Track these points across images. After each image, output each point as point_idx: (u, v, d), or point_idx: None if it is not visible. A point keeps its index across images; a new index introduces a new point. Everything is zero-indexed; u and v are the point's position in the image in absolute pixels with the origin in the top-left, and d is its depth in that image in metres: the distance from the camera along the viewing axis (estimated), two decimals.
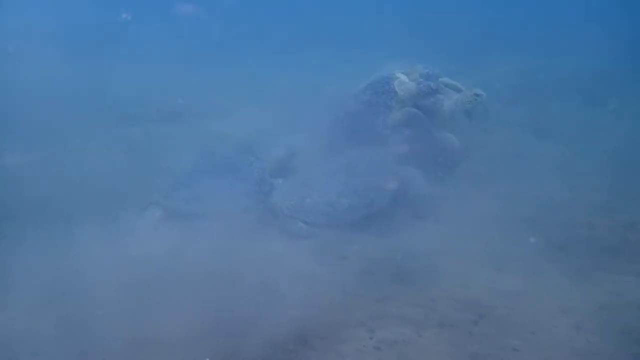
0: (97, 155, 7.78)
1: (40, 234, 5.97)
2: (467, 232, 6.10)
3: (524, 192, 6.95)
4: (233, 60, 14.57)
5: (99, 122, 9.06)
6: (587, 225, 6.10)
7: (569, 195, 6.70)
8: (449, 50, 11.87)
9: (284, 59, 14.26)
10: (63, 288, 5.22)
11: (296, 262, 5.67)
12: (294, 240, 6.23)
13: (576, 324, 4.61)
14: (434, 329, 4.65)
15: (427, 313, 4.84)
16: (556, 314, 4.75)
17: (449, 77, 7.60)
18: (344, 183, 6.43)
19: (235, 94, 10.87)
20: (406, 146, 6.80)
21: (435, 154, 6.97)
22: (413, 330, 4.64)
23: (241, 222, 6.33)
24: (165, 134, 8.89)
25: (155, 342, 4.42)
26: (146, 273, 5.26)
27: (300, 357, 4.39)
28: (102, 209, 6.41)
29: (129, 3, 17.72)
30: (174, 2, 16.94)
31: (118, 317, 4.71)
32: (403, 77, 7.05)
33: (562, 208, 6.45)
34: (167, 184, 7.00)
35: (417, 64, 7.42)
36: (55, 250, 5.77)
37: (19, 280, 5.26)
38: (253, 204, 6.69)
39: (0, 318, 4.92)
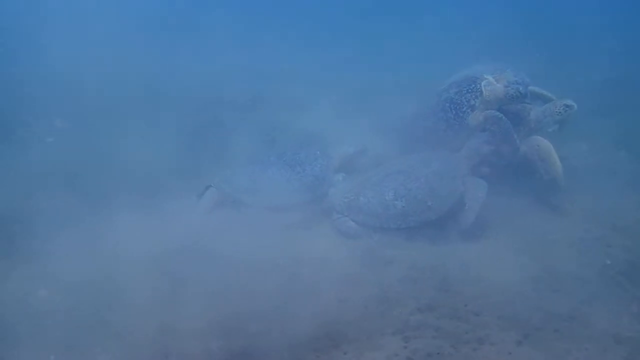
0: (162, 139, 8.01)
1: (95, 211, 6.28)
2: (526, 249, 5.80)
3: (597, 209, 6.53)
4: (312, 50, 14.58)
5: (170, 107, 9.34)
6: None
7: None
8: (533, 55, 11.34)
9: (365, 52, 14.14)
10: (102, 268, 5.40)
11: (340, 261, 5.62)
12: (342, 239, 6.17)
13: (629, 356, 4.26)
14: (472, 344, 4.45)
15: (468, 328, 4.64)
16: (609, 344, 4.41)
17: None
18: (402, 185, 6.19)
19: (312, 86, 10.84)
20: (482, 153, 6.48)
21: (511, 164, 6.62)
22: (450, 344, 4.46)
23: (293, 216, 6.37)
24: (234, 122, 9.00)
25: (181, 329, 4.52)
26: (190, 257, 5.41)
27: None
28: (160, 191, 6.66)
29: None
30: None
31: (152, 303, 4.85)
32: (491, 79, 6.75)
33: (631, 230, 5.97)
34: (229, 171, 7.11)
35: (507, 69, 7.06)
36: (105, 231, 6.04)
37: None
38: (309, 199, 6.68)
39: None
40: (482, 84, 6.63)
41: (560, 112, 6.57)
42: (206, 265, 5.37)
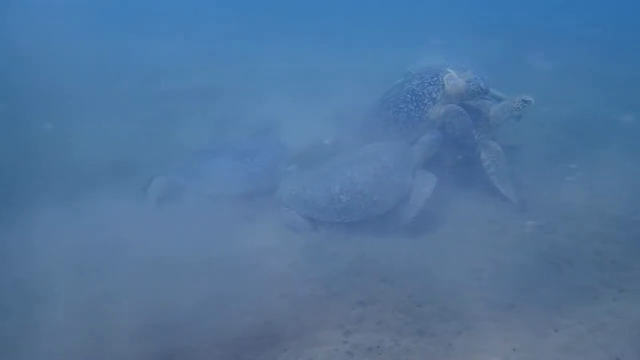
0: (117, 128, 7.85)
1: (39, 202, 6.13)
2: (471, 240, 5.83)
3: (544, 197, 6.58)
4: (274, 40, 14.42)
5: (127, 96, 9.15)
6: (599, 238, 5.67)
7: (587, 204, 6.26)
8: (500, 44, 11.38)
9: (327, 44, 14.02)
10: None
11: (284, 255, 5.56)
12: (288, 232, 6.10)
13: (567, 344, 4.29)
14: (412, 336, 4.44)
15: (410, 320, 4.63)
16: (548, 332, 4.43)
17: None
18: (349, 179, 6.08)
19: (274, 77, 10.72)
20: (436, 148, 6.47)
21: (468, 158, 6.63)
22: (391, 337, 4.44)
23: (241, 208, 6.29)
24: (188, 113, 8.87)
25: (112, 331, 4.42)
26: (126, 250, 5.31)
27: (268, 358, 4.27)
28: (108, 181, 6.52)
29: None
30: None
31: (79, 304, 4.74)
32: (453, 73, 6.70)
33: (576, 218, 6.02)
34: (177, 160, 7.01)
35: (468, 69, 7.01)
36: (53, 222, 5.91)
37: None
38: (255, 190, 6.61)
39: None
40: (445, 77, 6.60)
41: (518, 108, 6.59)
42: (138, 263, 5.25)
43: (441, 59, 8.34)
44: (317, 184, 6.20)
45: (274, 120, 8.11)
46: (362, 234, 5.98)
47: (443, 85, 6.54)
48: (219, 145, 7.25)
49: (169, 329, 4.59)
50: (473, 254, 5.53)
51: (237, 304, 4.89)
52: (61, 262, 5.37)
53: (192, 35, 13.62)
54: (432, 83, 6.63)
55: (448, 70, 6.77)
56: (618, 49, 12.44)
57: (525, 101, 6.56)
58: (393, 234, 5.94)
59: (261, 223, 6.27)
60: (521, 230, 5.91)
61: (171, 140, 7.76)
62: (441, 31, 12.17)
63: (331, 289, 5.08)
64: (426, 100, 6.57)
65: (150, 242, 5.62)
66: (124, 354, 4.32)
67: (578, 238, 5.71)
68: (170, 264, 5.32)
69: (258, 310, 4.80)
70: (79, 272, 5.28)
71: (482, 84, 6.46)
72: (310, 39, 14.29)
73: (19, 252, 5.69)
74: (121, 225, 5.95)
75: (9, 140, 7.59)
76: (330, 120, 8.26)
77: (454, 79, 6.56)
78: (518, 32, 13.59)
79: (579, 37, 13.40)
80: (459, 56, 8.36)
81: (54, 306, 4.87)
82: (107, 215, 6.15)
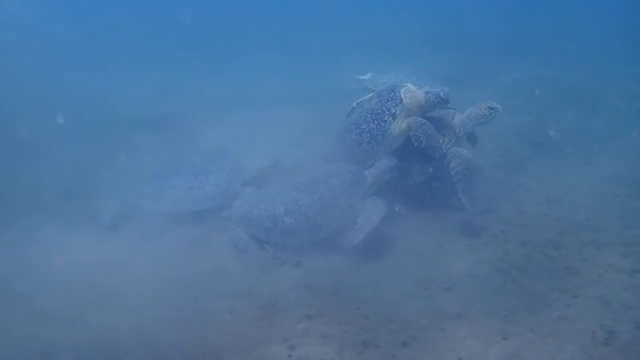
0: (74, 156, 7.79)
1: None
2: (423, 250, 5.78)
3: (499, 206, 6.55)
4: (225, 65, 14.46)
5: (84, 127, 9.11)
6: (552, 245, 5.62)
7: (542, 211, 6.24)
8: (455, 57, 11.48)
9: (280, 64, 14.05)
10: None
11: (232, 273, 5.47)
12: (235, 251, 6.01)
13: (514, 352, 4.21)
14: (357, 348, 4.34)
15: (356, 332, 4.54)
16: (496, 340, 4.35)
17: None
18: (294, 201, 5.97)
19: (229, 102, 10.71)
20: (391, 175, 6.40)
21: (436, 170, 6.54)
22: (335, 350, 4.35)
23: (192, 227, 6.21)
24: (144, 141, 8.82)
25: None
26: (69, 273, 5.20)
27: None
28: (59, 206, 6.44)
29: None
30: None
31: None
32: (411, 86, 6.63)
33: (530, 225, 5.99)
34: (134, 182, 7.02)
35: (425, 85, 7.00)
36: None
37: None
38: (209, 208, 6.55)
39: None
40: (402, 91, 6.48)
41: (485, 115, 6.53)
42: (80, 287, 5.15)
43: (400, 75, 8.33)
44: (263, 203, 6.13)
45: (230, 143, 8.03)
46: (311, 251, 5.86)
47: (401, 99, 6.43)
48: (174, 165, 7.18)
49: (109, 350, 4.45)
50: (423, 265, 5.47)
51: (183, 323, 4.77)
52: None
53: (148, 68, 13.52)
54: (389, 99, 6.51)
55: (406, 84, 6.73)
56: (585, 59, 12.58)
57: (492, 108, 6.50)
58: (342, 251, 5.80)
59: (212, 242, 6.19)
60: (474, 240, 5.84)
61: (127, 164, 7.67)
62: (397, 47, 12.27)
63: (278, 304, 4.99)
64: (386, 117, 6.44)
65: (95, 265, 5.51)
66: None
67: (531, 245, 5.64)
68: (115, 287, 5.19)
69: (205, 328, 4.69)
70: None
71: (441, 94, 6.35)
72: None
73: None
74: (67, 250, 5.82)
75: None
76: (292, 143, 8.16)
77: (412, 92, 6.47)
78: (481, 46, 13.71)
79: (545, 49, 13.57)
80: (416, 72, 8.36)
81: None
82: (54, 240, 6.01)
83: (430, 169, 6.49)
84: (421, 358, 4.22)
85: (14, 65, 11.35)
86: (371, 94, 7.07)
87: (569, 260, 5.39)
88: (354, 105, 7.13)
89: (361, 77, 8.20)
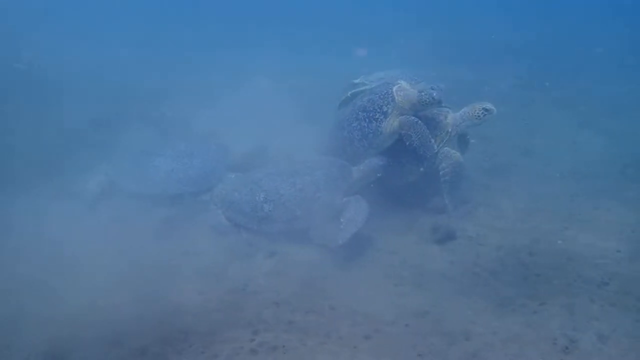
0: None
1: None
2: (399, 250, 5.82)
3: (479, 210, 6.60)
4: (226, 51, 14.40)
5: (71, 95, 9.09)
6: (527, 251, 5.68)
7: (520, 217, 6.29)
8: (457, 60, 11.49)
9: (283, 56, 14.03)
10: None
11: (207, 255, 5.51)
12: (213, 234, 6.04)
13: (474, 352, 4.26)
14: (320, 338, 4.39)
15: (321, 322, 4.58)
16: (458, 339, 4.40)
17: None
18: (275, 189, 5.99)
19: (223, 86, 10.67)
20: (376, 175, 6.36)
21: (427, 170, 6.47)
22: (298, 338, 4.39)
23: (170, 208, 6.24)
24: (132, 115, 8.81)
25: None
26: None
27: (173, 353, 4.20)
28: (39, 180, 6.46)
29: None
30: None
31: None
32: (404, 84, 6.54)
33: (508, 230, 6.04)
34: (117, 159, 7.00)
35: (422, 80, 6.89)
36: None
37: None
38: (192, 192, 6.56)
39: None
40: (394, 89, 6.41)
41: (479, 116, 6.46)
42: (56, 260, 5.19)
43: (397, 71, 8.29)
44: (245, 188, 6.16)
45: (220, 127, 8.03)
46: (286, 241, 5.85)
47: (393, 98, 6.35)
48: (159, 146, 7.17)
49: (71, 325, 4.49)
50: (396, 262, 5.50)
51: (152, 301, 4.81)
52: None
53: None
54: (381, 97, 6.42)
55: (399, 82, 6.64)
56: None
57: (486, 110, 6.44)
58: (319, 246, 5.74)
59: (190, 224, 6.20)
60: (450, 242, 5.87)
61: (113, 140, 7.65)
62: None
63: (248, 288, 5.04)
64: (377, 115, 6.36)
65: (67, 241, 5.54)
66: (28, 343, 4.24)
67: (506, 250, 5.69)
68: (88, 263, 5.22)
69: (173, 307, 4.74)
70: None
71: (434, 94, 6.24)
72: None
73: None
74: (43, 223, 5.83)
75: None
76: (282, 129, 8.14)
77: (405, 90, 6.40)
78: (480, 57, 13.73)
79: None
80: (414, 69, 8.33)
81: None
82: (29, 212, 6.02)
83: (421, 169, 6.43)
84: (382, 352, 4.26)
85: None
86: (364, 87, 7.02)
87: (541, 268, 5.43)
88: (349, 94, 7.02)
89: (356, 82, 8.06)
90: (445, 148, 6.46)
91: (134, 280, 5.02)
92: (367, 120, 6.41)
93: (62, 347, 4.23)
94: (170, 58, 12.81)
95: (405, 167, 6.53)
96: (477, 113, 6.45)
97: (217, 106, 8.85)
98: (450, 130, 6.52)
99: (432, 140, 6.31)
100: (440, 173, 6.37)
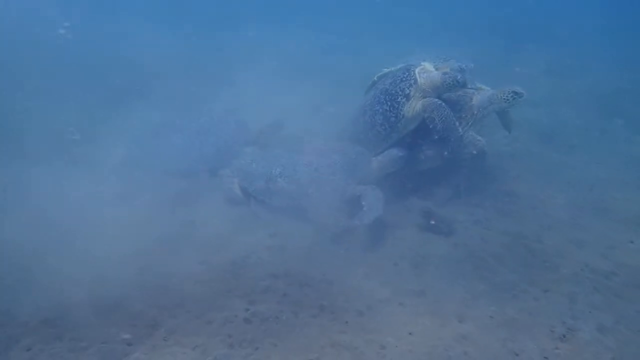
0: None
1: None
2: (404, 232, 5.79)
3: (489, 194, 6.51)
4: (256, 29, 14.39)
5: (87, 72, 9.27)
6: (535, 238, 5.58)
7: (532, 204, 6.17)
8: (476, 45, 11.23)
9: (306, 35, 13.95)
10: None
11: (211, 227, 5.62)
12: (222, 207, 6.13)
13: (465, 334, 4.25)
14: (313, 310, 4.44)
15: (315, 296, 4.63)
16: (450, 321, 4.40)
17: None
18: (292, 165, 6.04)
19: (249, 63, 10.74)
20: (396, 167, 6.25)
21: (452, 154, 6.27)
22: (292, 310, 4.45)
23: (188, 183, 6.35)
24: (154, 90, 8.94)
25: None
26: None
27: (168, 317, 4.33)
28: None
29: None
30: None
31: None
32: (428, 66, 6.30)
33: (516, 216, 5.94)
34: (139, 133, 7.16)
35: (451, 59, 6.61)
36: None
37: None
38: (207, 169, 6.65)
39: None
40: (416, 71, 6.20)
41: (507, 99, 6.24)
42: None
43: (424, 54, 8.06)
44: (263, 161, 6.22)
45: (243, 104, 8.09)
46: (292, 218, 5.84)
47: (415, 80, 6.15)
48: (177, 122, 7.29)
49: (70, 289, 4.64)
50: (399, 242, 5.50)
51: (155, 269, 4.94)
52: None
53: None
54: (403, 79, 6.22)
55: (422, 63, 6.38)
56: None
57: (515, 93, 6.21)
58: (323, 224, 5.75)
59: (200, 197, 6.30)
60: (456, 225, 5.81)
61: (133, 114, 7.82)
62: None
63: (249, 260, 5.12)
64: (399, 98, 6.16)
65: (83, 210, 5.74)
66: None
67: (513, 236, 5.61)
68: (96, 232, 5.36)
69: (175, 275, 4.85)
70: None
71: (458, 76, 6.05)
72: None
73: None
74: (57, 193, 6.01)
75: None
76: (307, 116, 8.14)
77: (428, 72, 6.20)
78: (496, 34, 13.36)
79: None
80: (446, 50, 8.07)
81: None
82: (46, 181, 6.19)
83: (446, 153, 6.23)
84: (373, 327, 4.28)
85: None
86: (388, 70, 6.78)
87: (548, 255, 5.36)
88: (375, 78, 6.83)
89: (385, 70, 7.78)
90: (471, 133, 6.27)
91: (139, 249, 5.12)
92: (388, 103, 6.23)
93: (61, 312, 4.37)
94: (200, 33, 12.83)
95: (427, 152, 6.34)
96: (506, 96, 6.23)
97: (244, 84, 8.90)
98: (476, 112, 6.31)
99: (457, 123, 6.12)
100: (463, 157, 6.25)
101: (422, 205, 6.10)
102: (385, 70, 6.80)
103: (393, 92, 6.22)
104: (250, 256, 5.18)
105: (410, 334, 4.25)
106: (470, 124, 6.33)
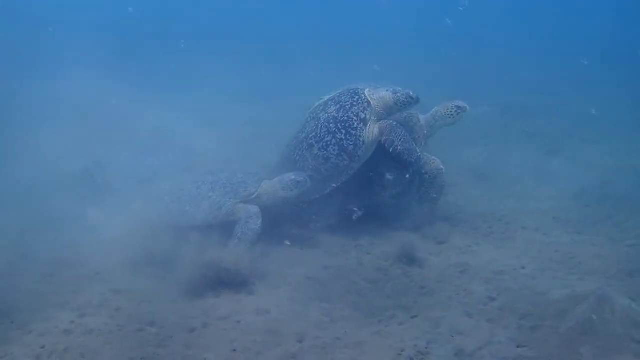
0: None
1: None
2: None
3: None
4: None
5: None
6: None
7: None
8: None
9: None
10: None
11: None
12: None
13: (294, 353, 3.93)
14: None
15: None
16: (288, 341, 4.09)
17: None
18: (180, 184, 6.06)
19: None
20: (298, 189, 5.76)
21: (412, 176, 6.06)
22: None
23: None
24: None
25: None
26: None
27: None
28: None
29: None
30: None
31: None
32: (372, 88, 6.06)
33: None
34: None
35: (379, 86, 6.21)
36: None
37: None
38: None
39: None
40: (366, 92, 5.97)
41: (452, 115, 6.15)
42: None
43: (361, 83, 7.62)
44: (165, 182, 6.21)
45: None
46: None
47: (369, 102, 5.89)
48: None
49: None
50: (264, 259, 5.24)
51: None
52: None
53: None
54: (354, 104, 5.90)
55: (359, 86, 6.16)
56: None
57: (459, 107, 6.14)
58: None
59: None
60: (335, 247, 5.57)
61: None
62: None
63: None
64: (355, 124, 5.80)
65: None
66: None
67: (393, 260, 5.30)
68: None
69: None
70: None
71: (411, 92, 5.87)
72: None
73: None
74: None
75: None
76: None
77: (378, 91, 5.97)
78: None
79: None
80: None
81: None
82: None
83: (407, 176, 5.97)
84: (199, 344, 4.01)
85: None
86: (319, 102, 6.41)
87: (426, 280, 5.02)
88: (312, 109, 6.40)
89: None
90: (425, 153, 6.05)
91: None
92: (343, 131, 5.84)
93: None
94: None
95: (386, 179, 6.04)
96: (450, 112, 6.18)
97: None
98: (426, 131, 6.19)
99: (414, 144, 5.92)
100: (425, 177, 6.03)
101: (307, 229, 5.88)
102: (323, 99, 6.40)
103: (345, 118, 5.88)
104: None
105: (234, 350, 3.94)
106: (423, 144, 6.15)
